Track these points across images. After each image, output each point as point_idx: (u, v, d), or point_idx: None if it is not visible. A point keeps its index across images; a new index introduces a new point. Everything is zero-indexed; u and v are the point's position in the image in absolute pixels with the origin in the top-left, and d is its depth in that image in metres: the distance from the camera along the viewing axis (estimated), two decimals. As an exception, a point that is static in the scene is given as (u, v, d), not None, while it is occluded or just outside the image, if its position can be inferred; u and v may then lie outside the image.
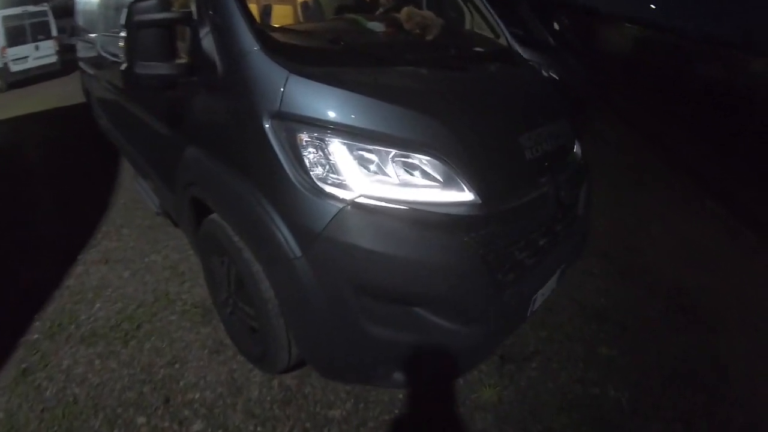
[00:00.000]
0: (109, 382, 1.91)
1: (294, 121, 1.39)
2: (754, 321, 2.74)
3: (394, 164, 1.39)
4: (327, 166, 1.37)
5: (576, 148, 2.13)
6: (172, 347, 2.08)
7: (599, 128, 6.30)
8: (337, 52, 1.72)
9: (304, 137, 1.38)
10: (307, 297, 1.40)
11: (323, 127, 1.38)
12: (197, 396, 1.86)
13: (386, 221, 1.33)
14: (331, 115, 1.39)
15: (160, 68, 1.57)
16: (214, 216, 1.81)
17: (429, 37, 2.19)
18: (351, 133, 1.38)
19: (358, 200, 1.34)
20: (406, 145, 1.40)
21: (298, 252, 1.37)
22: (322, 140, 1.37)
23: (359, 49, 1.82)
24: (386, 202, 1.35)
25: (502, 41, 2.45)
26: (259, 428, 1.75)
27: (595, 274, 2.95)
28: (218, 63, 1.57)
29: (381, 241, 1.32)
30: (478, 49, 2.31)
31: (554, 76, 4.31)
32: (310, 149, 1.37)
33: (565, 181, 1.82)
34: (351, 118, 1.39)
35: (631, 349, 2.33)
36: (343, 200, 1.33)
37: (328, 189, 1.35)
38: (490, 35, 2.51)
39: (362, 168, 1.37)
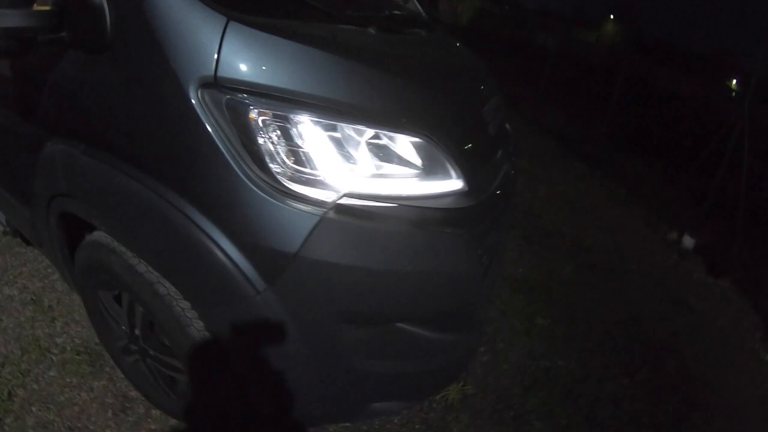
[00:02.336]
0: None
1: (240, 91, 0.99)
2: (648, 269, 3.09)
3: (370, 148, 1.07)
4: (294, 157, 1.01)
5: None
6: (63, 417, 1.53)
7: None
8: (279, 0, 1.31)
9: (260, 116, 0.99)
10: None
11: (286, 100, 1.00)
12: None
13: (379, 227, 1.05)
14: (295, 81, 1.02)
15: (7, 18, 0.96)
16: (99, 236, 1.32)
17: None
18: (324, 108, 1.03)
19: (342, 202, 1.02)
20: (392, 122, 1.10)
21: (261, 285, 1.03)
22: (286, 118, 1.00)
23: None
24: (374, 200, 1.06)
25: (411, 6, 2.22)
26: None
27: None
28: (105, 8, 1.05)
29: (376, 254, 1.05)
30: (396, 12, 2.05)
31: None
32: (270, 133, 1.00)
33: (512, 153, 1.73)
34: (322, 87, 1.04)
35: (563, 314, 2.43)
36: (323, 203, 1.01)
37: (301, 190, 1.01)
38: None
39: (343, 157, 1.05)
